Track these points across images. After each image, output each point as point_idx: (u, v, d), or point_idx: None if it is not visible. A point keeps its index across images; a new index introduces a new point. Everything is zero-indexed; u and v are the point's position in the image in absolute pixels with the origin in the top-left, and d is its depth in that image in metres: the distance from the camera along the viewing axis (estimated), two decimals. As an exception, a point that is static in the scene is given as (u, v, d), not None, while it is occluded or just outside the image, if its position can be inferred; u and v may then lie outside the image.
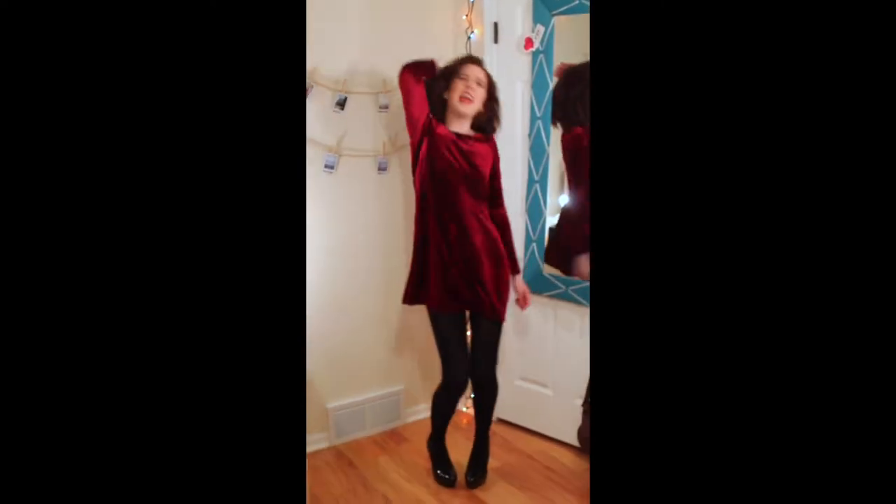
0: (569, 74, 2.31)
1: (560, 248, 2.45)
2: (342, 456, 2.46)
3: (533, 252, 2.47)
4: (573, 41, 2.29)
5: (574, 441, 2.45)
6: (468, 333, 2.19)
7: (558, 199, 2.45)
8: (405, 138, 2.52)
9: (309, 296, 2.36)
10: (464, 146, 2.05)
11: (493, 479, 2.27)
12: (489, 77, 2.10)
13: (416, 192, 2.11)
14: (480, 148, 2.09)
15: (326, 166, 2.35)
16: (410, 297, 2.16)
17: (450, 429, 2.31)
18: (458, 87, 2.03)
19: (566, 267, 2.42)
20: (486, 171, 2.09)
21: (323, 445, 2.52)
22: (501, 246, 2.12)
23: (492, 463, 2.32)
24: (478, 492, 2.20)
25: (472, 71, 2.05)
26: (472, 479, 2.23)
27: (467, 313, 2.16)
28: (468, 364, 2.14)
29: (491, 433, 2.33)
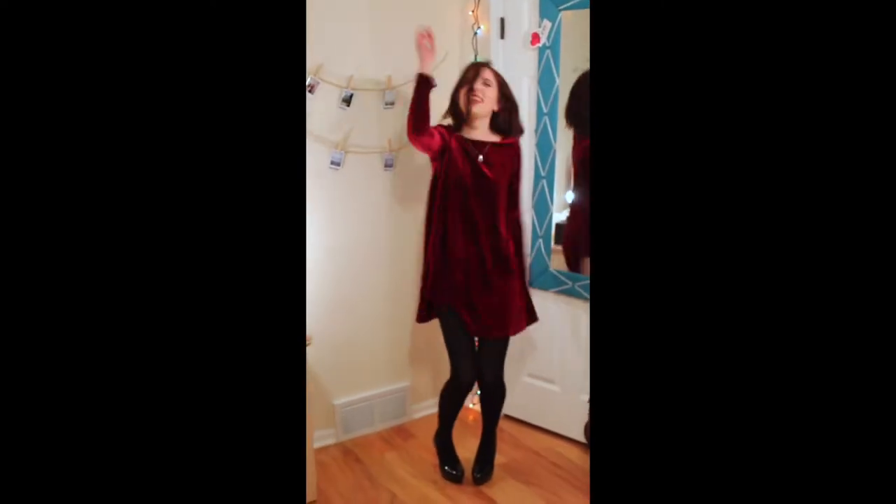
0: (583, 83, 2.29)
1: (567, 247, 2.45)
2: (349, 452, 2.47)
3: (539, 248, 2.47)
4: (580, 37, 2.28)
5: (581, 437, 2.45)
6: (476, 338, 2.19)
7: (565, 196, 2.45)
8: (411, 135, 2.53)
9: (316, 292, 2.37)
10: (480, 155, 2.03)
11: (499, 476, 2.27)
12: (498, 76, 2.09)
13: (434, 205, 2.11)
14: (499, 156, 2.06)
15: (332, 163, 2.35)
16: (423, 316, 2.18)
17: (457, 425, 2.32)
18: (467, 91, 2.03)
19: (574, 265, 2.41)
20: (504, 178, 2.08)
21: (330, 441, 2.53)
22: (512, 256, 2.12)
23: (499, 459, 2.32)
24: (484, 488, 2.20)
25: (478, 72, 2.04)
26: (478, 476, 2.23)
27: None
28: (476, 362, 2.15)
29: (498, 429, 2.33)
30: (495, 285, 2.07)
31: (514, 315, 2.12)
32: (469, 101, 2.02)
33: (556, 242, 2.46)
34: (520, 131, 2.14)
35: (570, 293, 2.40)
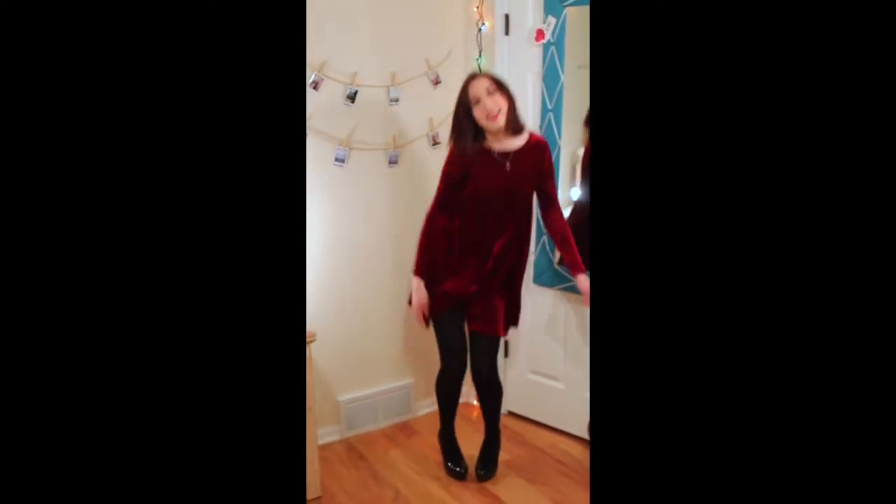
0: None
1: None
2: (353, 449, 2.47)
3: (544, 245, 2.46)
4: (584, 33, 2.27)
5: (585, 434, 2.45)
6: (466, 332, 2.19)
7: (570, 193, 2.44)
8: (415, 132, 2.53)
9: (320, 289, 2.37)
10: (507, 163, 2.02)
11: (503, 472, 2.27)
12: (494, 79, 2.01)
13: (451, 214, 2.09)
14: (524, 161, 2.04)
15: (337, 160, 2.35)
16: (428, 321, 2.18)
17: (460, 422, 2.32)
18: (478, 110, 1.97)
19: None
20: (530, 182, 2.06)
21: (334, 438, 2.53)
22: (525, 262, 2.13)
23: (503, 456, 2.32)
24: (488, 485, 2.20)
25: (479, 86, 1.96)
26: (482, 472, 2.23)
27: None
28: (465, 350, 2.15)
29: (501, 426, 2.33)
30: (498, 289, 2.09)
31: (504, 317, 2.14)
32: (489, 119, 1.96)
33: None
34: (521, 127, 2.12)
35: (573, 290, 2.39)
